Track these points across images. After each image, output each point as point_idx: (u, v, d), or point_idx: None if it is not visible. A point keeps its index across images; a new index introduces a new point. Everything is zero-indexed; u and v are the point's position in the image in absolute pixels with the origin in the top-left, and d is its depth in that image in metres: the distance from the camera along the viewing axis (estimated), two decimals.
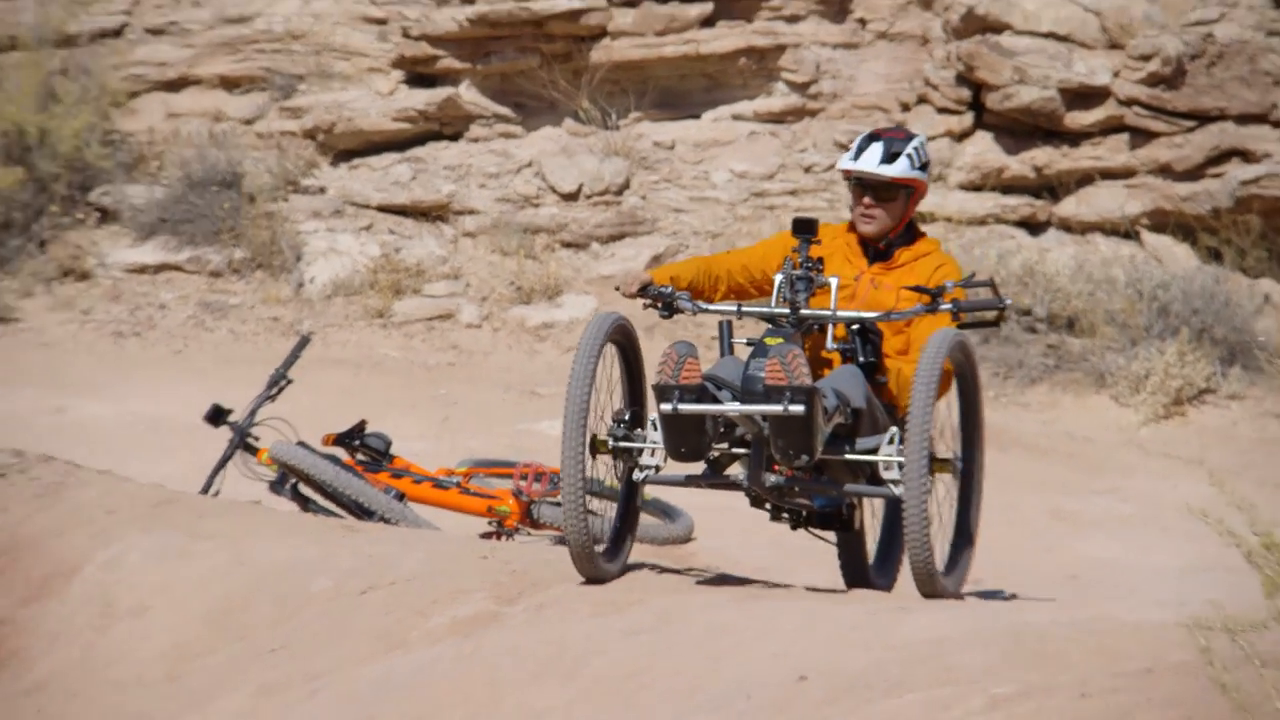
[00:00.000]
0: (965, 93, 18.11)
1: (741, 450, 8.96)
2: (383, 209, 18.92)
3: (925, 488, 8.67)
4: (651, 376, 9.01)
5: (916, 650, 8.82)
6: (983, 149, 18.06)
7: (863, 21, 18.93)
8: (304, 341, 13.52)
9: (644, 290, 9.33)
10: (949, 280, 9.25)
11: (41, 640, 11.07)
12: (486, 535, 13.13)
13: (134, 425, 14.32)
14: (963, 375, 9.25)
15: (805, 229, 9.05)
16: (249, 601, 10.28)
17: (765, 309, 9.15)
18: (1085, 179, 17.77)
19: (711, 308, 9.29)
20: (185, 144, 19.12)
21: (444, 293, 18.38)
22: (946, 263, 9.46)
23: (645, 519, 13.48)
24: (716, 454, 9.06)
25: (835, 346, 9.14)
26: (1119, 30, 17.74)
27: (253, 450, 10.51)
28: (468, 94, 19.23)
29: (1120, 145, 17.73)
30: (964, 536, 9.46)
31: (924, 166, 9.37)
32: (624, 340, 9.41)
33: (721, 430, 8.92)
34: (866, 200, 9.38)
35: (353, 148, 19.42)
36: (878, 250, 9.43)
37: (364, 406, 14.32)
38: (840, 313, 9.09)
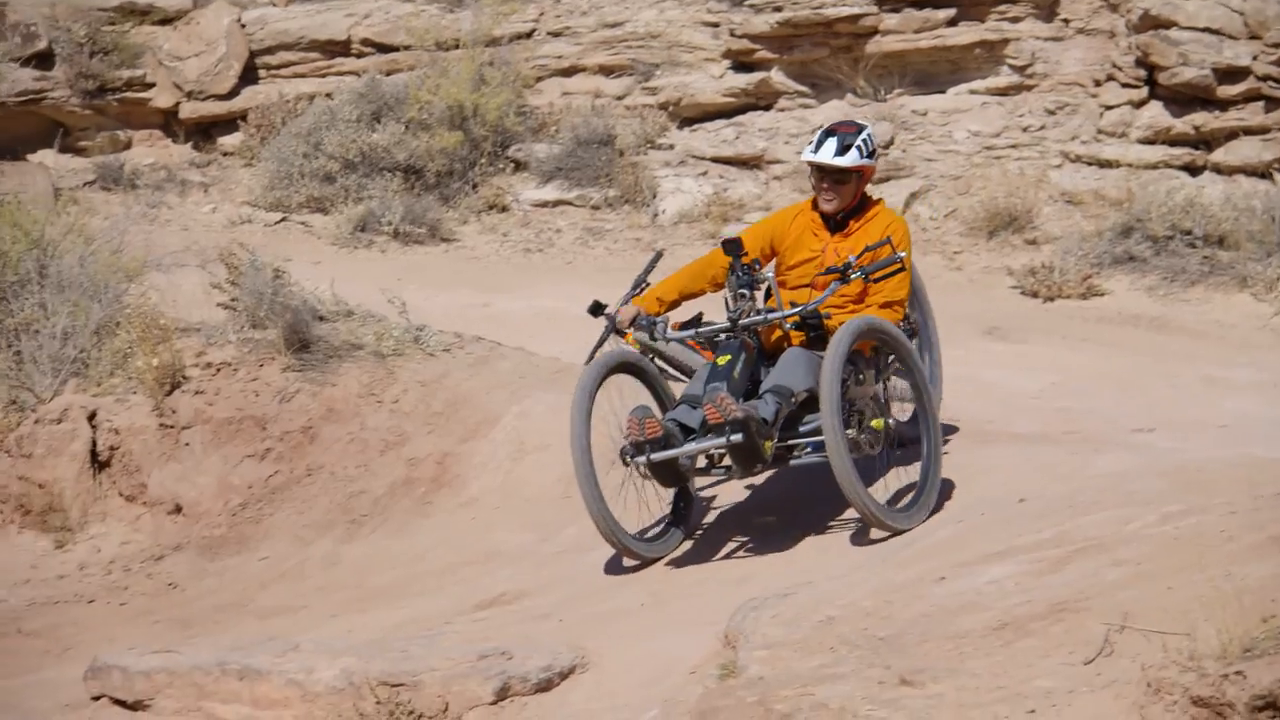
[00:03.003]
0: (1142, 73, 17.69)
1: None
2: (714, 160, 18.83)
3: (843, 453, 8.09)
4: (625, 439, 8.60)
5: (1106, 480, 8.65)
6: (1155, 114, 17.64)
7: (1066, 20, 18.54)
8: (658, 256, 13.49)
9: (634, 321, 9.00)
10: (852, 256, 8.70)
11: (474, 468, 11.17)
12: None
13: (537, 316, 14.34)
14: (886, 342, 8.63)
15: (734, 248, 8.68)
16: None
17: (713, 329, 8.81)
18: (1231, 135, 17.34)
19: (674, 336, 8.90)
20: (574, 114, 19.09)
21: (758, 220, 18.32)
22: (892, 220, 9.00)
23: (898, 383, 13.38)
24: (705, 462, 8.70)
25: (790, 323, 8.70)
26: (1257, 25, 17.30)
27: (621, 334, 10.58)
28: (776, 77, 19.08)
29: (1258, 110, 17.27)
30: (925, 478, 8.72)
31: (872, 154, 8.88)
32: (629, 368, 9.06)
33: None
34: (825, 185, 8.84)
35: (693, 116, 19.32)
36: (835, 222, 8.91)
37: (699, 303, 14.31)
38: (772, 314, 8.67)
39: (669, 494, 9.10)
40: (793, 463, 8.67)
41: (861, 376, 8.46)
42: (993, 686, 5.58)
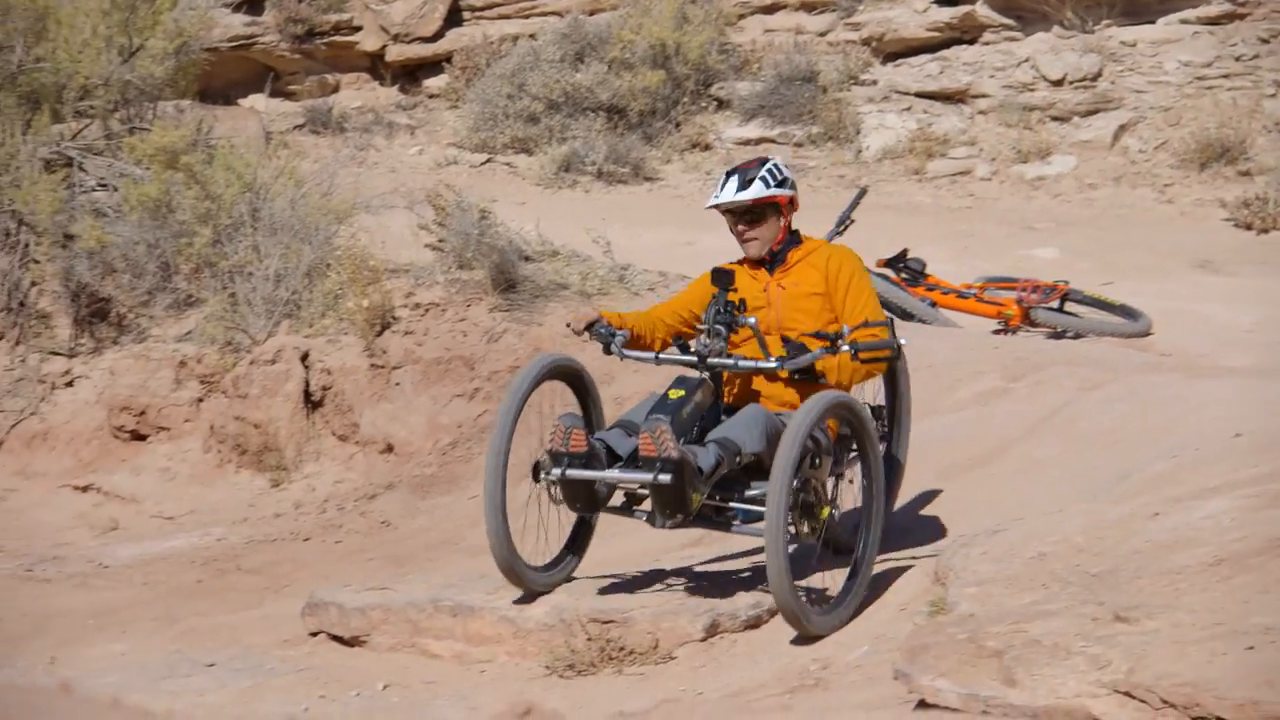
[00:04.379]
0: None
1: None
2: (918, 95, 18.71)
3: (779, 534, 7.08)
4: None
5: None
6: None
7: None
8: (862, 192, 13.48)
9: (590, 327, 7.90)
10: (846, 326, 7.73)
11: None
12: (997, 332, 12.94)
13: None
14: (854, 428, 7.62)
15: (722, 279, 7.74)
16: None
17: (679, 358, 7.84)
18: None
19: (631, 354, 7.88)
20: (777, 51, 19.07)
21: (963, 156, 18.14)
22: (835, 253, 7.98)
23: (1112, 318, 13.20)
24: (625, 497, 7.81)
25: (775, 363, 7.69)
26: None
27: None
28: (981, 10, 18.90)
29: None
30: (853, 581, 7.58)
31: (782, 183, 7.90)
32: (568, 375, 8.17)
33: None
34: (740, 227, 7.93)
35: (896, 51, 19.21)
36: (771, 260, 7.94)
37: (905, 239, 14.22)
38: (742, 362, 7.69)
39: (570, 521, 8.20)
40: (733, 530, 7.73)
41: (818, 460, 7.47)
42: (1209, 623, 5.50)
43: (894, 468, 8.32)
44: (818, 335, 7.73)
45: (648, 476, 7.31)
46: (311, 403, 12.35)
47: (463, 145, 18.90)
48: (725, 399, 7.86)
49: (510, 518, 7.75)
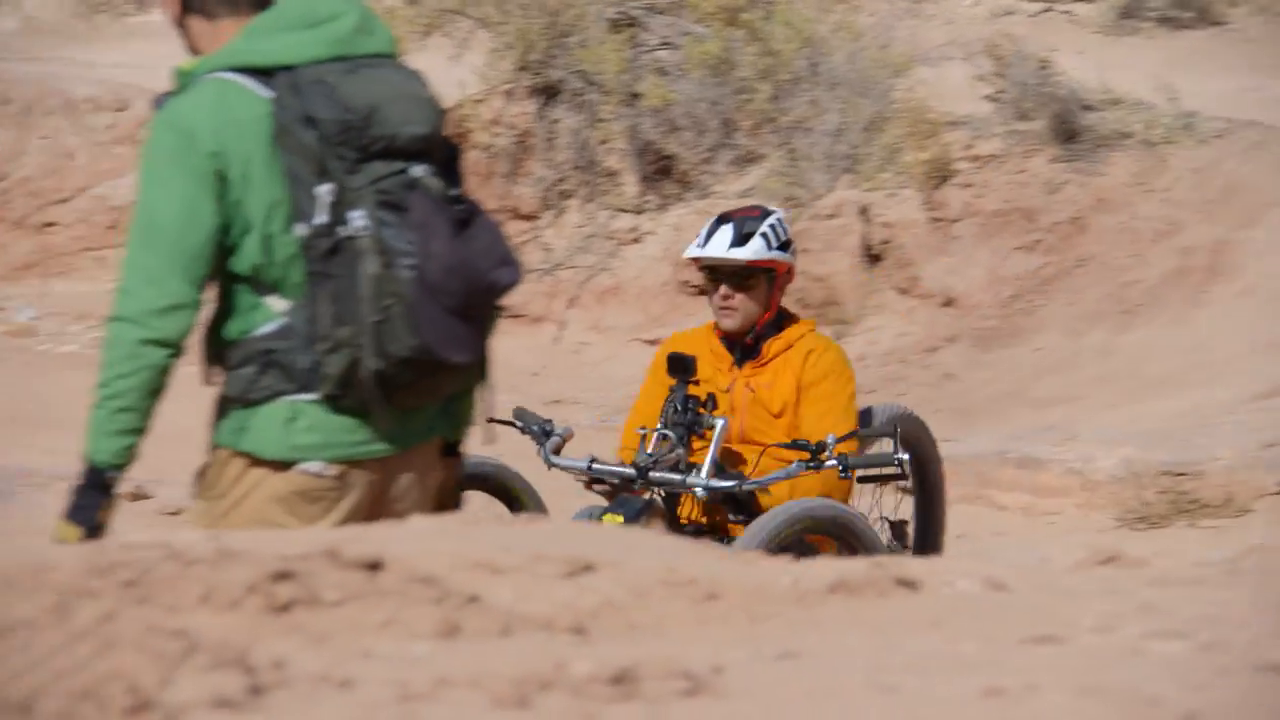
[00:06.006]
0: None
1: None
2: None
3: None
4: None
5: None
6: None
7: None
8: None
9: (521, 421, 6.16)
10: (831, 434, 5.91)
11: (1251, 256, 11.04)
12: None
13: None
14: (839, 538, 5.90)
15: (681, 368, 5.94)
16: None
17: (610, 471, 6.05)
18: None
19: (558, 462, 6.11)
20: None
21: None
22: (817, 347, 6.20)
23: None
24: None
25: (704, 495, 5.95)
26: None
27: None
28: None
29: None
30: None
31: (784, 245, 6.15)
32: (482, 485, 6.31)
33: None
34: (723, 290, 6.07)
35: None
36: (745, 347, 6.17)
37: None
38: (692, 480, 5.89)
39: None
40: None
41: None
42: None
43: None
44: (794, 445, 5.99)
45: None
46: (871, 256, 12.57)
47: None
48: (685, 520, 6.23)
49: None
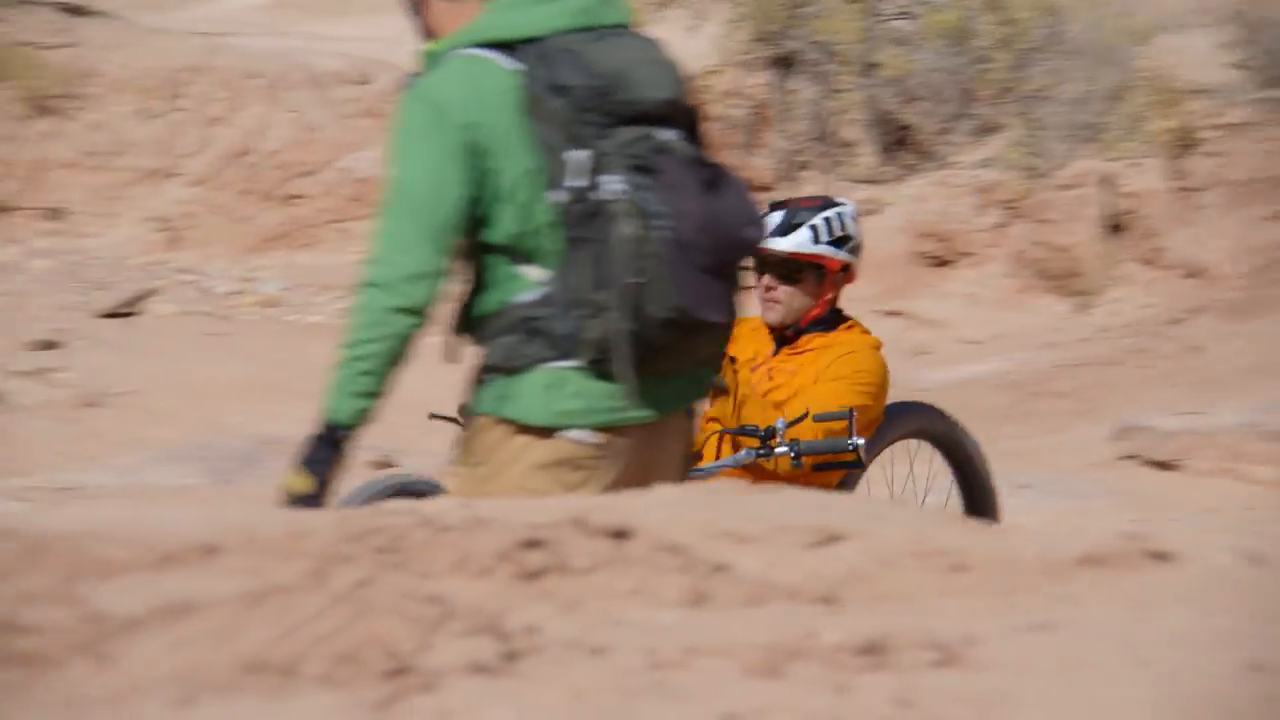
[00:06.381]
0: None
1: None
2: None
3: None
4: None
5: None
6: None
7: None
8: None
9: None
10: (781, 419, 5.62)
11: None
12: None
13: None
14: None
15: None
16: None
17: None
18: None
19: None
20: None
21: None
22: (857, 349, 5.80)
23: None
24: None
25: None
26: None
27: None
28: None
29: None
30: None
31: (839, 241, 5.76)
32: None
33: None
34: (765, 281, 5.79)
35: None
36: (785, 339, 5.89)
37: None
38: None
39: None
40: None
41: None
42: None
43: None
44: (742, 431, 5.78)
45: None
46: (1113, 226, 12.63)
47: None
48: None
49: None
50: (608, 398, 4.02)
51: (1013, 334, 12.60)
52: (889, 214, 13.61)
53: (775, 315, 5.80)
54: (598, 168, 3.95)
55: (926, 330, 12.94)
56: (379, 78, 15.19)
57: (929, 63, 13.78)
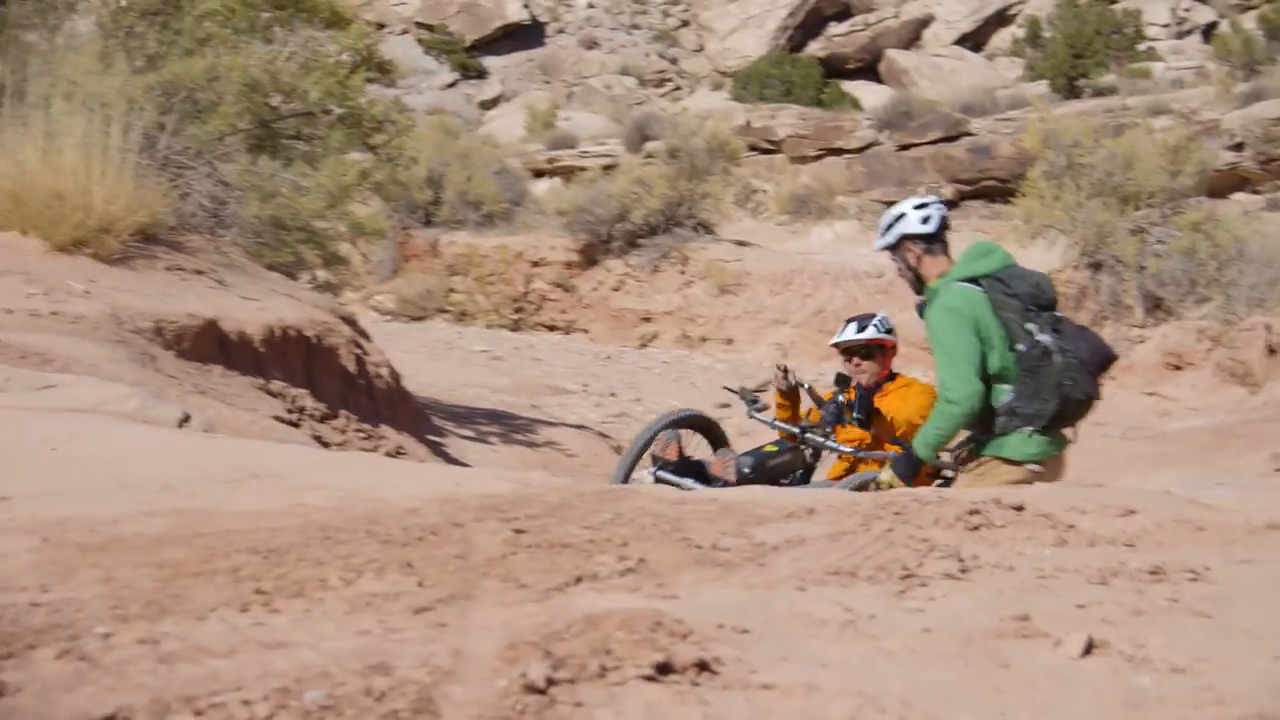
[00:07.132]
0: None
1: None
2: None
3: None
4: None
5: None
6: None
7: None
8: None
9: (740, 393, 8.62)
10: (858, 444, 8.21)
11: None
12: None
13: None
14: None
15: (843, 383, 8.13)
16: None
17: (784, 426, 8.33)
18: None
19: (757, 417, 8.46)
20: None
21: None
22: (914, 385, 8.27)
23: None
24: None
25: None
26: None
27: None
28: None
29: None
30: None
31: (889, 331, 8.29)
32: (694, 426, 8.77)
33: None
34: (855, 360, 8.26)
35: None
36: (869, 389, 8.33)
37: None
38: (828, 441, 8.12)
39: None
40: None
41: None
42: None
43: None
44: (893, 442, 7.91)
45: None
46: (1270, 350, 15.58)
47: None
48: (835, 472, 8.20)
49: None
50: (1047, 444, 5.69)
51: (1215, 405, 15.77)
52: (1149, 344, 17.98)
53: (864, 379, 8.17)
54: (1038, 331, 5.61)
55: (1169, 403, 16.51)
56: (887, 273, 20.39)
57: (1173, 264, 18.84)
